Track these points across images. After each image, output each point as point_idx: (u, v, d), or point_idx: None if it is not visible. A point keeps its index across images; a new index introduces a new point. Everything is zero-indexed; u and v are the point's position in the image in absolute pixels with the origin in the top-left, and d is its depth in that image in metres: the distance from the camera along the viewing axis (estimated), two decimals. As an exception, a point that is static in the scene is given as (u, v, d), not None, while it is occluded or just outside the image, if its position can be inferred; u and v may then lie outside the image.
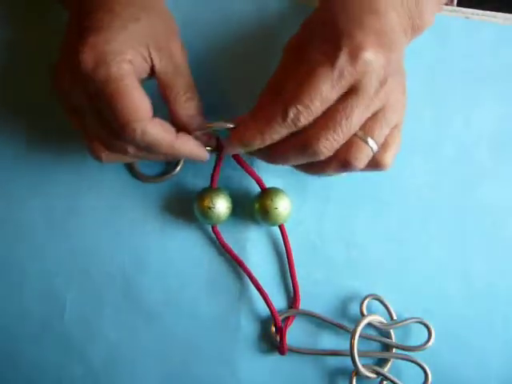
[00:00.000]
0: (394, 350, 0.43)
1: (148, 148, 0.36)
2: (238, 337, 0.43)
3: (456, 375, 0.43)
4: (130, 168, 0.44)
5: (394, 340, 0.43)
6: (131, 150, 0.37)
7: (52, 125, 0.44)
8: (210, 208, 0.41)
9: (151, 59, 0.36)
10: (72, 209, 0.44)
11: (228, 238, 0.43)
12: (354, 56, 0.32)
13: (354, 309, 0.43)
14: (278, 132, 0.34)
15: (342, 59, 0.32)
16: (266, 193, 0.42)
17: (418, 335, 0.42)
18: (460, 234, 0.45)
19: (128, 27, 0.35)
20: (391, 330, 0.43)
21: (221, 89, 0.45)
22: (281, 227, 0.43)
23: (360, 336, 0.40)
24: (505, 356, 0.43)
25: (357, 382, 0.41)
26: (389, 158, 0.37)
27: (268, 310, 0.42)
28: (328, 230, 0.44)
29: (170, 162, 0.44)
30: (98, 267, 0.43)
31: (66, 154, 0.44)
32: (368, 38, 0.33)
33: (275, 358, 0.43)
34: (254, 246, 0.44)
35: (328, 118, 0.34)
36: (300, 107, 0.33)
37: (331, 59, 0.33)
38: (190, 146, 0.38)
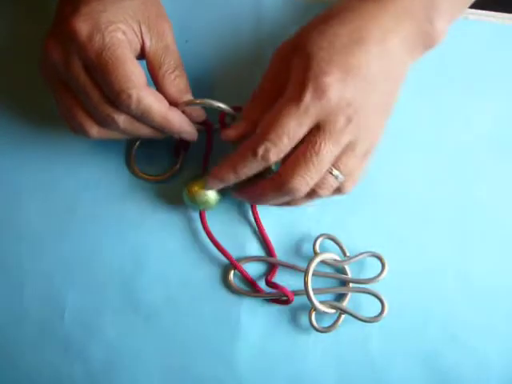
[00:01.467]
0: (351, 285, 0.43)
1: (142, 116, 0.36)
2: (238, 336, 0.43)
3: (456, 375, 0.43)
4: (130, 167, 0.45)
5: (349, 275, 0.43)
6: (122, 121, 0.37)
7: (52, 125, 0.44)
8: (197, 192, 0.41)
9: (142, 37, 0.37)
10: (71, 209, 0.44)
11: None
12: (319, 95, 0.33)
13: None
14: (250, 167, 0.36)
15: (308, 97, 0.33)
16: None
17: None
18: (460, 233, 0.45)
19: (122, 2, 0.36)
20: (346, 266, 0.43)
21: (218, 86, 0.46)
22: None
23: (316, 275, 0.42)
24: (505, 356, 0.43)
25: (317, 317, 0.42)
26: (350, 186, 0.37)
27: (269, 305, 0.43)
28: (327, 230, 0.44)
29: (174, 160, 0.45)
30: (97, 267, 0.43)
31: (65, 153, 0.44)
32: (334, 76, 0.34)
33: (275, 357, 0.43)
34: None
35: (299, 155, 0.35)
36: (268, 144, 0.34)
37: (298, 97, 0.34)
38: (182, 120, 0.39)
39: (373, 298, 0.42)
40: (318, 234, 0.43)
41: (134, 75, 0.35)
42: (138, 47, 0.37)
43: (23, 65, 0.46)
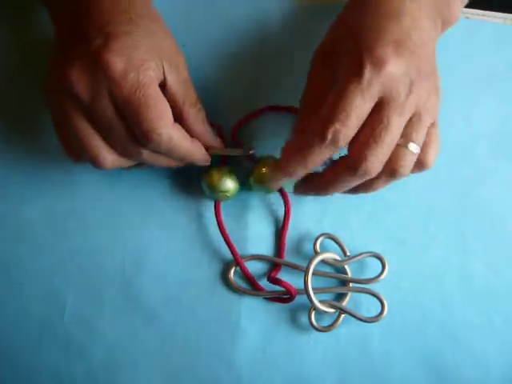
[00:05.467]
0: (351, 285, 0.43)
1: (168, 152, 0.37)
2: (238, 336, 0.43)
3: (456, 375, 0.43)
4: None
5: (349, 275, 0.44)
6: (147, 154, 0.37)
7: (51, 125, 0.44)
8: (217, 182, 0.41)
9: (164, 73, 0.37)
10: (71, 208, 0.44)
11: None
12: (377, 70, 0.33)
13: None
14: (319, 155, 0.35)
15: (368, 71, 0.33)
16: (256, 164, 0.42)
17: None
18: (460, 234, 0.45)
19: (147, 38, 0.36)
20: (346, 266, 0.44)
21: (219, 91, 0.46)
22: (281, 191, 0.44)
23: (316, 274, 0.42)
24: (505, 356, 0.43)
25: (316, 317, 0.42)
26: (431, 156, 0.37)
27: (269, 305, 0.43)
28: (327, 230, 0.44)
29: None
30: (97, 267, 0.43)
31: (65, 154, 0.44)
32: (387, 49, 0.34)
33: (275, 356, 0.43)
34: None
35: (368, 134, 0.34)
36: (337, 125, 0.34)
37: (358, 75, 0.34)
38: (202, 152, 0.39)
39: (373, 297, 0.42)
40: (319, 233, 0.44)
41: (165, 114, 0.35)
42: (160, 81, 0.37)
43: (20, 69, 0.46)
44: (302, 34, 0.46)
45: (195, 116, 0.39)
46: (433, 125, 0.37)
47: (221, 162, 0.44)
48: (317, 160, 0.35)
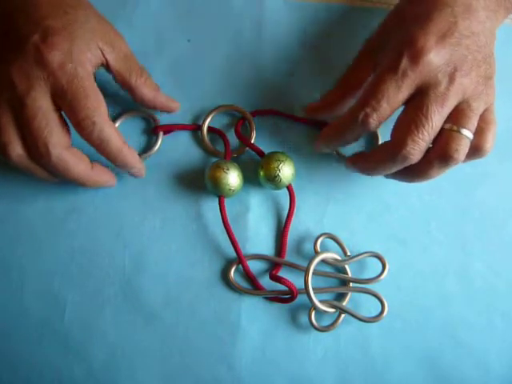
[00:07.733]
0: (351, 285, 0.43)
1: (100, 145, 0.38)
2: (238, 336, 0.43)
3: (456, 375, 0.43)
4: None
5: (349, 275, 0.44)
6: (56, 155, 0.37)
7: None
8: (220, 178, 0.42)
9: (103, 54, 0.39)
10: (71, 208, 0.44)
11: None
12: (415, 59, 0.35)
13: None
14: (351, 133, 0.38)
15: (404, 62, 0.36)
16: (268, 158, 0.43)
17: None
18: (460, 234, 0.45)
19: (84, 28, 0.38)
20: (346, 266, 0.44)
21: (214, 85, 0.46)
22: (288, 188, 0.44)
23: (316, 274, 0.42)
24: (505, 356, 0.44)
25: (316, 317, 0.43)
26: (487, 141, 0.38)
27: (269, 304, 0.43)
28: (328, 230, 0.44)
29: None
30: (97, 267, 0.43)
31: None
32: (430, 41, 0.36)
33: (275, 356, 0.43)
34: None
35: (409, 120, 0.36)
36: (368, 109, 0.36)
37: (394, 65, 0.36)
38: (134, 156, 0.41)
39: (373, 297, 0.42)
40: (319, 233, 0.44)
41: (101, 106, 0.38)
42: (100, 63, 0.39)
43: None
44: (304, 34, 0.46)
45: (143, 84, 0.41)
46: (488, 110, 0.38)
47: (225, 157, 0.44)
48: (349, 137, 0.39)
